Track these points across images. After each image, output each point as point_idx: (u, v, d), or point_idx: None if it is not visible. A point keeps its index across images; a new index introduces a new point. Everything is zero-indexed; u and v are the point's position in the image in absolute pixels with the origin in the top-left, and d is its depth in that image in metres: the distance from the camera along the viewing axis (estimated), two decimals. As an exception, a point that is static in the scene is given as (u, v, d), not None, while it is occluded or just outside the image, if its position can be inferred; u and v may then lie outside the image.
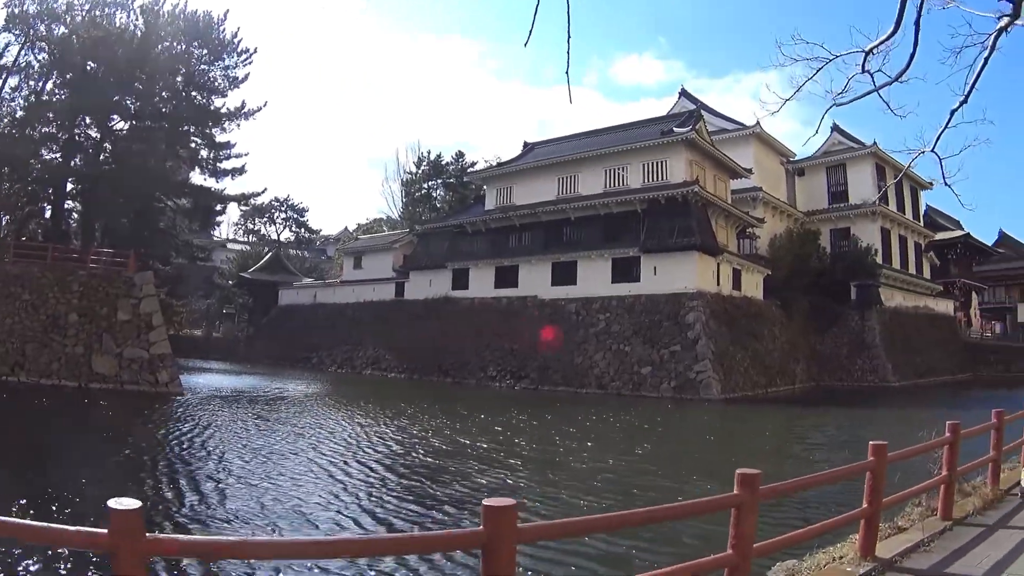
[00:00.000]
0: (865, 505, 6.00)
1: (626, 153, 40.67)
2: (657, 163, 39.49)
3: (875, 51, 6.90)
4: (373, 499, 12.06)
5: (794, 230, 47.05)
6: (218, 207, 52.16)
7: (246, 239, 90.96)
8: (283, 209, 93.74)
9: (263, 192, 48.99)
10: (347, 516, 10.81)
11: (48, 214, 41.57)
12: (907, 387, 42.07)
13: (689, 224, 36.50)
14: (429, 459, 15.92)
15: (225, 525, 10.07)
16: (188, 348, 61.98)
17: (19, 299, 26.99)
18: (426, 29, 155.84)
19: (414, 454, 16.62)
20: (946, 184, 7.86)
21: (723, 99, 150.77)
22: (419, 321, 46.95)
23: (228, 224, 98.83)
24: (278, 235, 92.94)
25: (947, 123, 7.35)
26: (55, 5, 36.42)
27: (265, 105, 44.63)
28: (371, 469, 14.66)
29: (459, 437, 19.15)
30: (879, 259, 48.31)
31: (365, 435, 19.16)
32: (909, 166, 8.42)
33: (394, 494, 12.47)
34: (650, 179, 39.50)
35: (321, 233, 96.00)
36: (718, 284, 37.54)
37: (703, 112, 45.12)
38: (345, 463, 15.04)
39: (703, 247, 36.42)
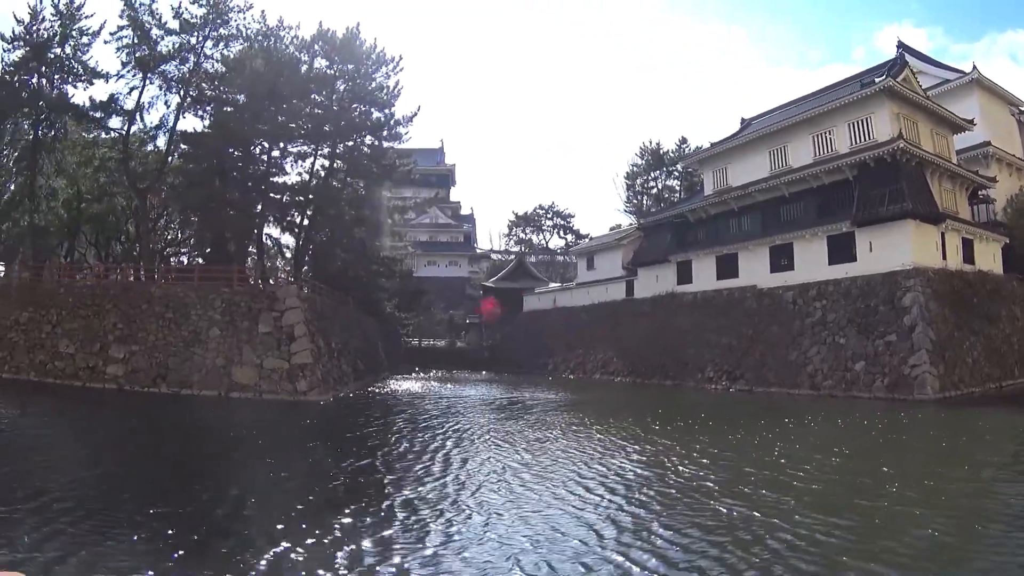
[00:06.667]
0: None
1: (829, 114, 34.74)
2: (861, 121, 33.24)
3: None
4: None
5: (1036, 189, 38.06)
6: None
7: (519, 248, 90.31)
8: (549, 216, 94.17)
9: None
10: None
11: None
12: None
13: (899, 188, 30.00)
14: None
15: None
16: (429, 358, 62.34)
17: (162, 318, 27.83)
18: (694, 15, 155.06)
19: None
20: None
21: (984, 64, 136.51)
22: (644, 320, 43.84)
23: (499, 235, 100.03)
24: (546, 242, 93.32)
25: None
26: (175, 45, 36.30)
27: (419, 111, 45.49)
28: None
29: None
30: None
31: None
32: None
33: None
34: (856, 140, 33.28)
35: (589, 237, 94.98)
36: (944, 258, 30.63)
37: (918, 60, 38.14)
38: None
39: (917, 213, 29.85)
